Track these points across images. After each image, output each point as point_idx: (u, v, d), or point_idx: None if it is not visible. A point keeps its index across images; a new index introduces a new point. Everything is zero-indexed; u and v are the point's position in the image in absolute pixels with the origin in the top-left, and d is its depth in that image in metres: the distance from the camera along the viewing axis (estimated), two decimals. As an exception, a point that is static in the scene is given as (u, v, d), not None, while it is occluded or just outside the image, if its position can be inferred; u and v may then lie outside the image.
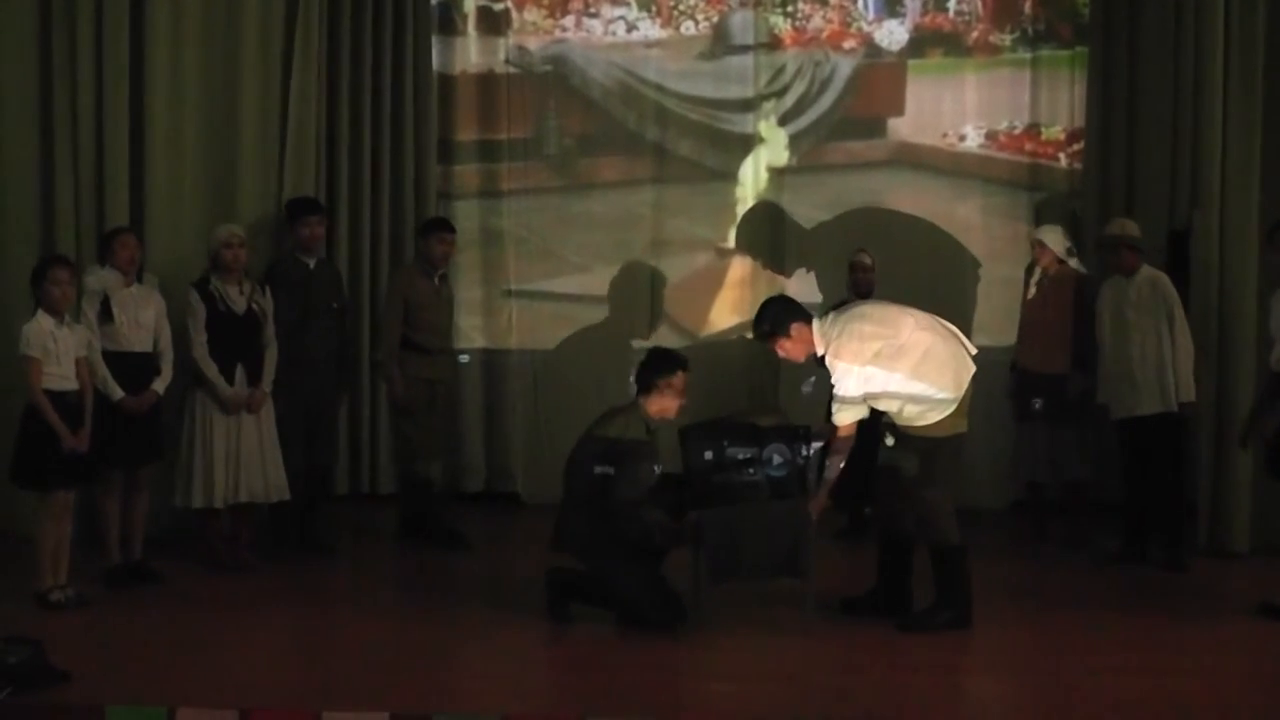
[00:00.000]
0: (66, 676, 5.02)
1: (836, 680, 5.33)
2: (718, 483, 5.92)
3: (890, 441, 5.90)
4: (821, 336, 5.78)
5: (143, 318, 6.57)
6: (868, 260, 7.60)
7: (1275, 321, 6.17)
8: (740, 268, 8.73)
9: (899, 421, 5.84)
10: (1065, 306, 7.22)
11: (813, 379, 6.46)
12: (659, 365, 6.07)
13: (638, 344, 8.38)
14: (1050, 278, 7.35)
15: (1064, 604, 6.42)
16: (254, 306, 6.89)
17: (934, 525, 5.83)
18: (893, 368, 5.69)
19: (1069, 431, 7.30)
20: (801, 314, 5.89)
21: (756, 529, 5.80)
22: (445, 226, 7.67)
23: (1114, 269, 6.99)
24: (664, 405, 6.02)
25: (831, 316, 5.86)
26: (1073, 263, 7.38)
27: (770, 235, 8.66)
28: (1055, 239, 7.40)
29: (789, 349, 5.88)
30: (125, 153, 7.25)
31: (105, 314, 6.45)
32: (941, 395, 5.73)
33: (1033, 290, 7.48)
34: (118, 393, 6.40)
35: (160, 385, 6.58)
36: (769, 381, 8.40)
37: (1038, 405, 7.33)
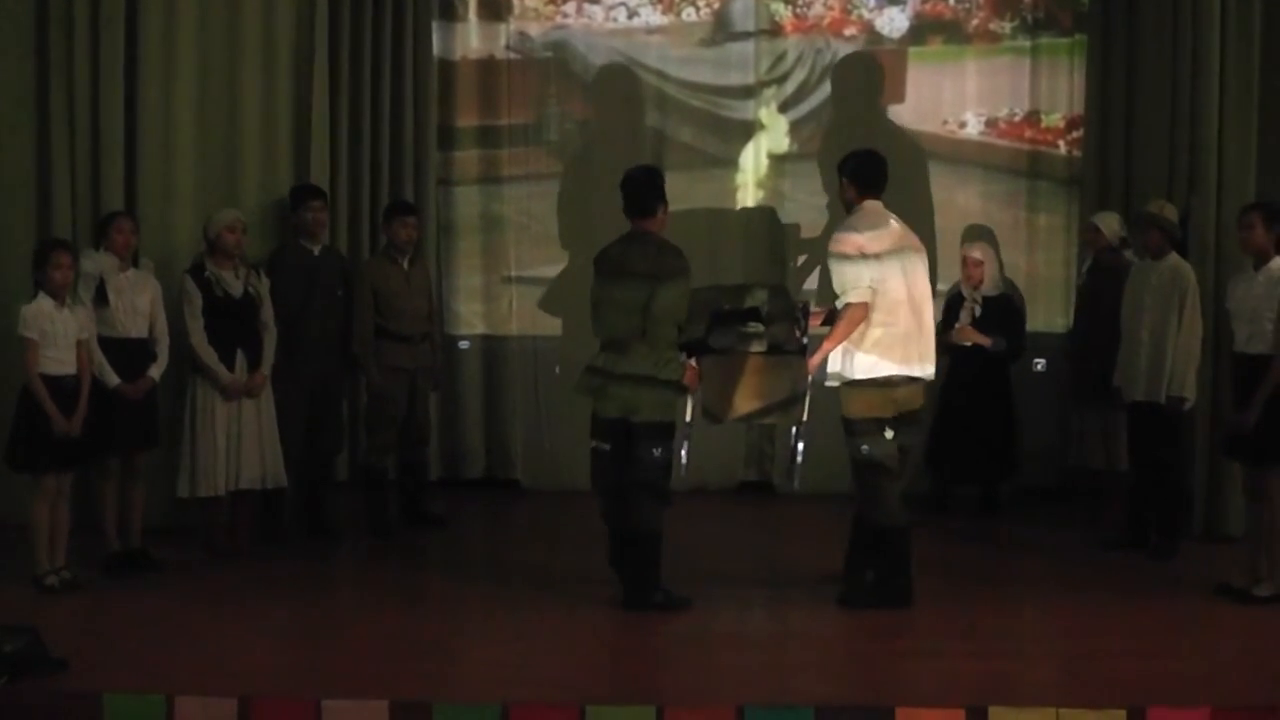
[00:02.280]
0: (64, 664, 5.05)
1: (833, 666, 5.37)
2: (719, 337, 6.02)
3: (890, 434, 5.96)
4: (851, 213, 6.07)
5: (138, 303, 6.57)
6: (977, 255, 7.81)
7: (1243, 304, 6.15)
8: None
9: (845, 408, 5.98)
10: (1116, 296, 7.15)
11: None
12: (650, 187, 6.10)
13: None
14: (1100, 266, 7.41)
15: (1061, 588, 6.46)
16: (250, 290, 6.89)
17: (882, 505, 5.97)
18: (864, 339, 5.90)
19: (1122, 419, 7.24)
20: (874, 188, 6.06)
21: (753, 376, 5.95)
22: (406, 210, 7.67)
23: (1142, 249, 7.00)
24: (667, 216, 6.16)
25: (874, 215, 6.02)
26: (1127, 254, 7.37)
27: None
28: (1110, 225, 7.43)
29: (842, 191, 6.15)
30: (120, 137, 7.24)
31: (100, 299, 6.45)
32: (872, 374, 5.89)
33: (1082, 279, 7.66)
34: (114, 379, 6.41)
35: (156, 371, 6.59)
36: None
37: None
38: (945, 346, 7.71)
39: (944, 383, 7.82)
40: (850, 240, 5.92)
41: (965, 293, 7.87)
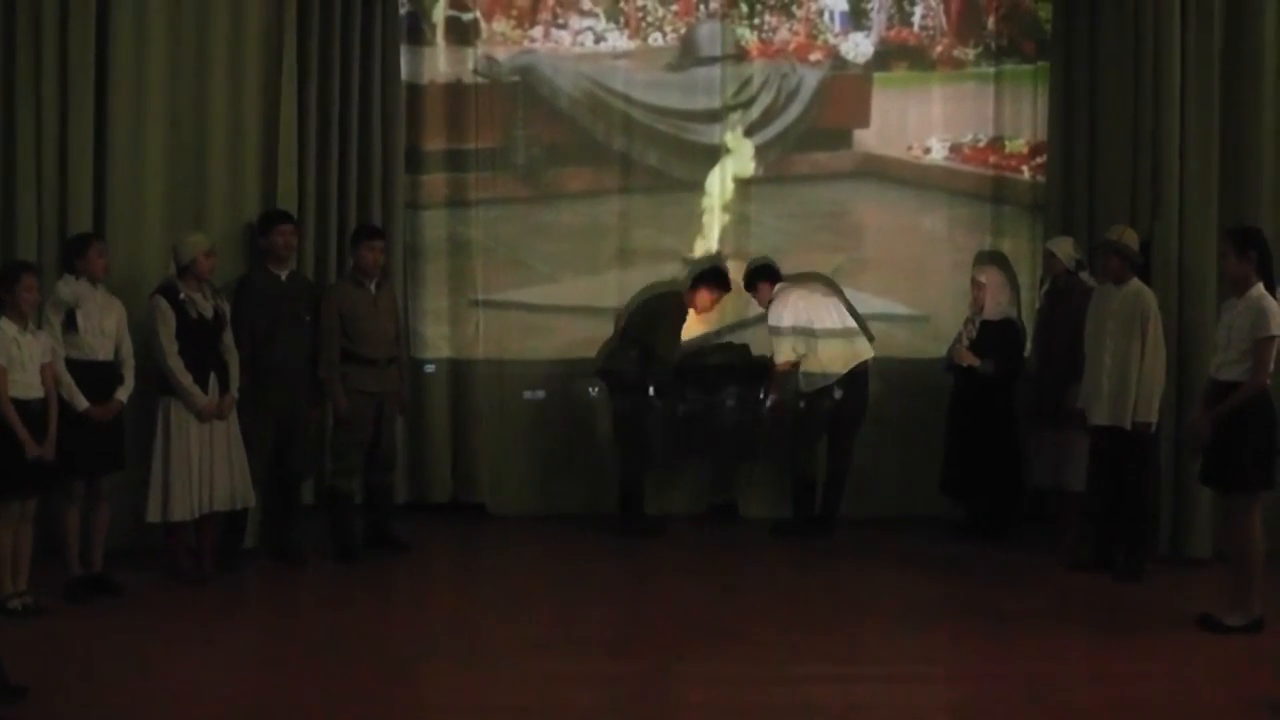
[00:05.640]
0: (23, 692, 5.00)
1: (796, 691, 5.36)
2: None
3: (839, 395, 7.82)
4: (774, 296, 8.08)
5: (106, 325, 6.54)
6: (981, 279, 7.98)
7: (1221, 330, 6.21)
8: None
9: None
10: (1071, 318, 7.23)
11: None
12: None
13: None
14: (1059, 290, 7.49)
15: (1025, 609, 6.47)
16: (218, 313, 6.87)
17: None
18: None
19: (1075, 440, 7.28)
20: (774, 280, 8.15)
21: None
22: (374, 234, 7.67)
23: (1103, 274, 7.06)
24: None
25: (783, 294, 8.08)
26: (1083, 275, 7.44)
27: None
28: (1064, 250, 7.52)
29: (759, 296, 8.17)
30: (89, 158, 7.20)
31: (69, 322, 6.41)
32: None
33: (1040, 301, 7.77)
34: (83, 402, 6.37)
35: (123, 394, 6.55)
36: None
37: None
38: (947, 366, 8.00)
39: (949, 403, 7.99)
40: (775, 316, 8.00)
41: (970, 314, 7.98)
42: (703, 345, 8.51)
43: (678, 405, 8.23)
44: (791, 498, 8.11)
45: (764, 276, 8.17)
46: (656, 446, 8.18)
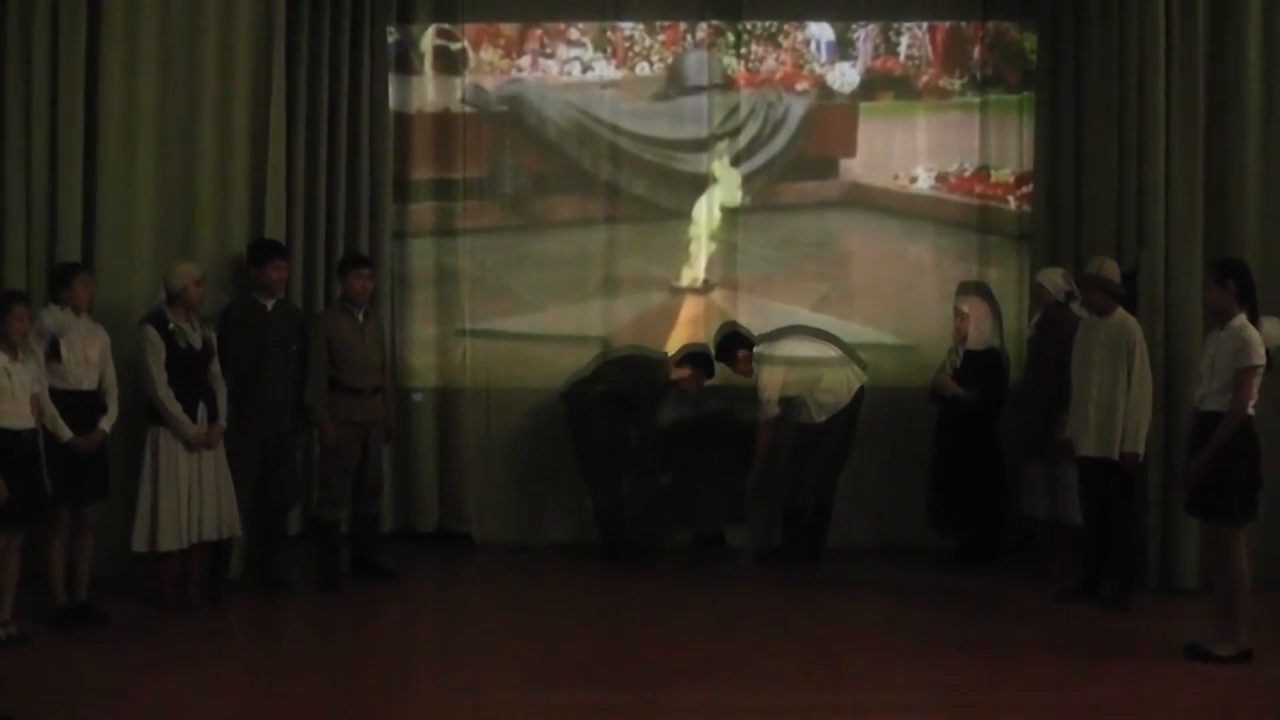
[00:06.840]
0: (8, 722, 4.98)
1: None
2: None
3: (822, 418, 7.91)
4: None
5: (90, 354, 6.51)
6: (964, 309, 8.02)
7: (1205, 361, 6.22)
8: (692, 305, 8.78)
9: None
10: (1061, 349, 7.22)
11: None
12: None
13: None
14: (1050, 321, 7.50)
15: (1016, 642, 6.46)
16: (206, 342, 6.86)
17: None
18: None
19: (1069, 472, 7.26)
20: (749, 346, 8.11)
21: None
22: (362, 262, 7.68)
23: (1088, 307, 7.09)
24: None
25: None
26: (1074, 306, 7.46)
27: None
28: (1054, 281, 7.54)
29: (738, 367, 8.12)
30: (78, 187, 7.21)
31: (53, 351, 6.38)
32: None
33: (1031, 331, 7.77)
34: (66, 433, 6.34)
35: (107, 424, 6.53)
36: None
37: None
38: (931, 395, 8.00)
39: (933, 432, 8.01)
40: (762, 381, 7.98)
41: (953, 343, 8.01)
42: (687, 412, 8.45)
43: (663, 475, 8.17)
44: (783, 527, 8.09)
45: (737, 344, 8.16)
46: (621, 473, 8.11)
